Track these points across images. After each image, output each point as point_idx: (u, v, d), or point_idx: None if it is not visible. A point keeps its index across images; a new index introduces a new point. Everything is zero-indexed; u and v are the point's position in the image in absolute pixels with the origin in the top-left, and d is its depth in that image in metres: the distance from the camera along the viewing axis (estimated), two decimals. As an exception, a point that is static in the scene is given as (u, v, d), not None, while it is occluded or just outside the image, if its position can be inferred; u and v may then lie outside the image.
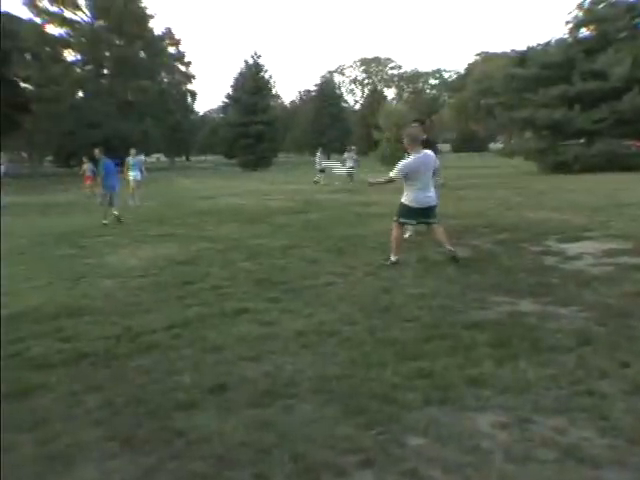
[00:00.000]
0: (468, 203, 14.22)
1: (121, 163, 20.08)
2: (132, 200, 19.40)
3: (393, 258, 7.79)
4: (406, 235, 9.08)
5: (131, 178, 20.32)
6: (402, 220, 7.96)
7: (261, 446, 3.09)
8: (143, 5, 64.34)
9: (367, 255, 8.45)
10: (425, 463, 2.91)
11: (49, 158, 67.74)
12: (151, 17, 66.06)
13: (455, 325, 4.99)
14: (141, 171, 20.79)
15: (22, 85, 61.47)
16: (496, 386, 3.72)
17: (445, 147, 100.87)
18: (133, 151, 21.28)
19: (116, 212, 14.51)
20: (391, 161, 41.40)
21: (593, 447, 2.98)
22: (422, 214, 7.83)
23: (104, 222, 13.98)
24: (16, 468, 3.03)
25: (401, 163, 7.81)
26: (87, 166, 24.68)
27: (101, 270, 8.32)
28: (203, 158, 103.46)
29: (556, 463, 2.87)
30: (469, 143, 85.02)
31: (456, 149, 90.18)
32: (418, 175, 7.66)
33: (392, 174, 7.84)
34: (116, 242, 10.96)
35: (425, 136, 8.36)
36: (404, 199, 7.87)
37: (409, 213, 7.85)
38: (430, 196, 7.77)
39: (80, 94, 63.42)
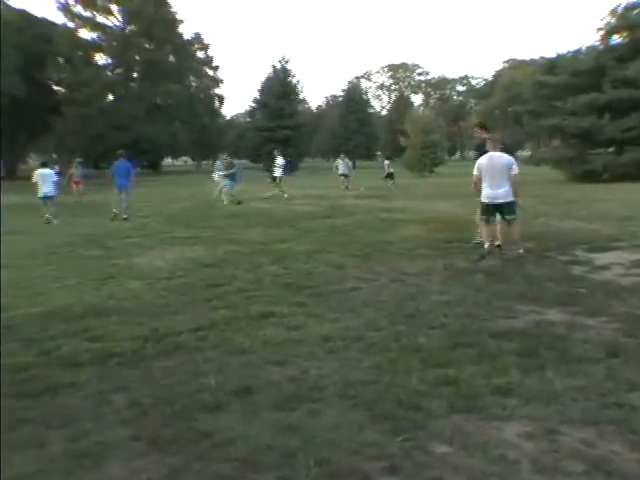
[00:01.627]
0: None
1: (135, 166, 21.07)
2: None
3: (486, 246, 8.61)
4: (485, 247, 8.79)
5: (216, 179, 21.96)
6: (483, 217, 8.78)
7: (286, 450, 3.10)
8: (173, 10, 65.06)
9: (393, 261, 8.44)
10: (451, 471, 2.89)
11: (78, 159, 68.69)
12: (181, 22, 66.76)
13: (481, 333, 4.97)
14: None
15: (54, 88, 62.62)
16: (523, 396, 3.69)
17: (471, 154, 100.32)
18: (222, 156, 23.91)
19: (115, 210, 16.22)
20: (417, 167, 41.42)
21: (623, 461, 2.94)
22: (495, 209, 8.62)
23: (124, 217, 15.84)
24: (46, 464, 3.08)
25: (477, 162, 8.95)
26: (77, 170, 25.38)
27: (128, 271, 8.41)
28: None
29: (584, 476, 2.83)
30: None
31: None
32: (486, 173, 8.61)
33: (474, 171, 8.92)
34: (143, 244, 11.08)
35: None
36: (482, 198, 8.77)
37: (484, 210, 8.72)
38: (499, 193, 8.50)
39: (110, 97, 64.23)
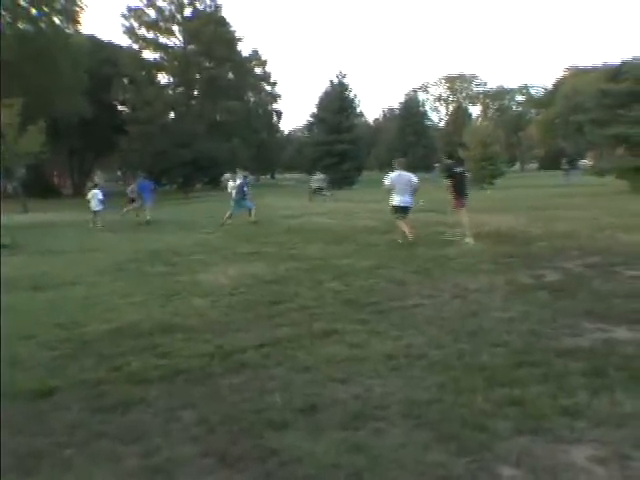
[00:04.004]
0: (556, 224, 13.80)
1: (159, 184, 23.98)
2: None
3: (410, 237, 11.94)
4: (400, 240, 12.21)
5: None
6: (397, 216, 12.57)
7: (352, 469, 3.14)
8: (232, 29, 66.41)
9: (454, 277, 8.37)
10: (519, 495, 2.87)
11: (143, 175, 70.68)
12: (239, 40, 68.05)
13: (546, 352, 4.89)
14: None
15: (119, 108, 64.87)
16: (592, 418, 3.62)
17: (531, 165, 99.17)
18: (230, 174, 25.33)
19: (148, 217, 21.46)
20: (476, 180, 40.77)
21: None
22: (403, 210, 12.49)
23: (147, 219, 21.22)
24: (123, 478, 3.20)
25: (388, 176, 12.98)
26: (132, 187, 27.89)
27: (192, 288, 8.60)
28: (288, 176, 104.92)
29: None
30: (557, 160, 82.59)
31: (543, 166, 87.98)
32: (398, 185, 12.53)
33: (386, 183, 12.87)
34: (206, 260, 11.29)
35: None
36: (391, 202, 12.69)
37: (397, 210, 12.56)
38: (406, 199, 12.52)
39: (171, 115, 65.84)
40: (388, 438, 3.50)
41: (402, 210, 12.48)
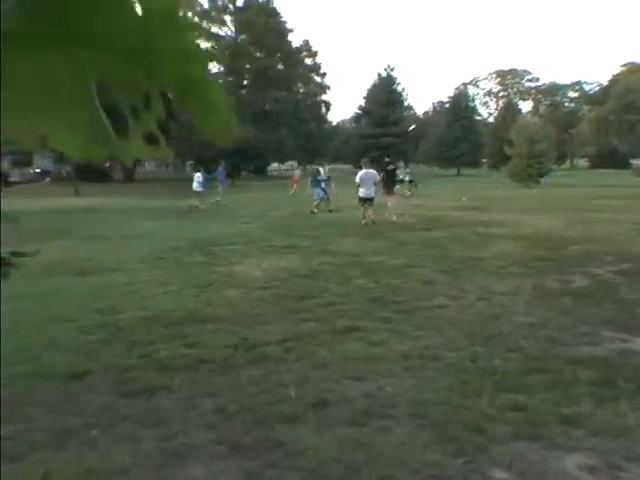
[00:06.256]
0: (596, 227, 13.69)
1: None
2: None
3: (363, 222, 15.81)
4: (362, 222, 15.89)
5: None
6: (363, 204, 16.10)
7: (352, 464, 3.34)
8: (283, 20, 66.73)
9: (483, 279, 8.46)
10: (505, 497, 3.02)
11: (190, 162, 71.59)
12: (290, 31, 68.32)
13: (559, 359, 4.99)
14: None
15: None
16: (591, 427, 3.73)
17: (582, 163, 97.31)
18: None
19: (219, 198, 24.99)
20: (521, 178, 40.03)
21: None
22: (368, 200, 15.96)
23: (214, 201, 24.37)
24: (140, 459, 3.47)
25: (358, 174, 16.60)
26: (297, 172, 35.05)
27: (227, 279, 8.88)
28: (334, 167, 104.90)
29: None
30: (609, 159, 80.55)
31: (594, 165, 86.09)
32: (364, 181, 16.10)
33: (356, 180, 16.49)
34: (243, 252, 11.56)
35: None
36: (359, 194, 16.17)
37: (364, 200, 16.00)
38: (370, 192, 16.02)
39: (221, 104, 66.61)
40: (390, 436, 3.68)
41: (368, 200, 16.10)
